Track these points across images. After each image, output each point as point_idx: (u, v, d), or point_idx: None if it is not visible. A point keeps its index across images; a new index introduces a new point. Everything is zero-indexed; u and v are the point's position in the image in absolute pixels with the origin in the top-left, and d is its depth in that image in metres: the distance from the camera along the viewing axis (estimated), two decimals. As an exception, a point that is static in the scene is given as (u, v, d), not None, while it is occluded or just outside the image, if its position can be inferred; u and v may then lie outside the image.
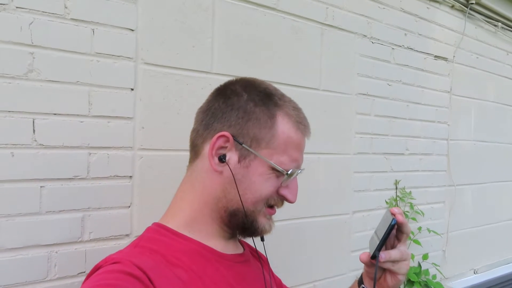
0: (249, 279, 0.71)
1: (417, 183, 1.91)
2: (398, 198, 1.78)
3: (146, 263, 0.57)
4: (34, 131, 0.89)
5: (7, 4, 0.86)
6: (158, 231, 0.68)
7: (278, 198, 0.70)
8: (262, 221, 0.69)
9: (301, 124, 0.70)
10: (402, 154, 1.83)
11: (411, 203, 1.82)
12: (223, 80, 1.20)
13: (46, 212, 0.91)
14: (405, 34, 1.85)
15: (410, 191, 1.83)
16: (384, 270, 0.70)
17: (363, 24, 1.64)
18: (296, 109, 0.71)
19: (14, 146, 0.87)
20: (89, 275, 0.58)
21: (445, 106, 2.08)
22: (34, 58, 0.89)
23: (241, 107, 0.67)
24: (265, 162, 0.66)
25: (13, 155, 0.87)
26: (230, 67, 1.23)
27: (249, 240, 0.77)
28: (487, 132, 2.35)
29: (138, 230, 1.03)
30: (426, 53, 1.96)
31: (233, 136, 0.66)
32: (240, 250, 0.76)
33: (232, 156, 0.67)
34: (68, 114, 0.93)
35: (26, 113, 0.88)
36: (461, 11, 2.17)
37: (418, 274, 1.77)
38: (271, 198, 0.69)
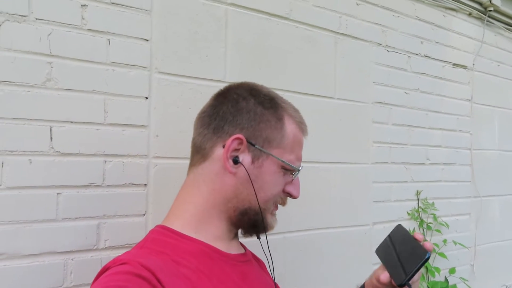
0: (252, 278, 0.72)
1: (440, 194, 1.84)
2: (420, 209, 1.72)
3: (154, 264, 0.58)
4: (51, 138, 0.91)
5: (27, 16, 0.89)
6: (162, 232, 0.69)
7: (284, 195, 0.75)
8: (269, 218, 0.73)
9: (303, 124, 0.76)
10: (423, 164, 1.79)
11: (434, 214, 1.76)
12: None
13: (63, 219, 0.91)
14: (422, 42, 1.82)
15: (433, 202, 1.77)
16: None
17: (378, 33, 1.64)
18: (296, 110, 0.76)
19: (32, 153, 0.88)
20: (97, 276, 0.59)
21: (467, 115, 2.02)
22: (52, 67, 0.92)
23: (251, 110, 0.70)
24: (276, 161, 0.70)
25: (30, 162, 0.88)
26: (243, 76, 1.23)
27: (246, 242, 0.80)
28: (512, 141, 2.27)
29: (153, 238, 1.02)
30: (444, 61, 1.93)
31: (246, 138, 0.68)
32: (242, 250, 0.78)
33: (245, 157, 0.69)
34: (84, 122, 0.95)
35: (44, 121, 0.90)
36: (479, 18, 2.14)
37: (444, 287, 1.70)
38: (278, 197, 0.73)
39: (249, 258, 0.77)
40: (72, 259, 0.92)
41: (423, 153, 1.79)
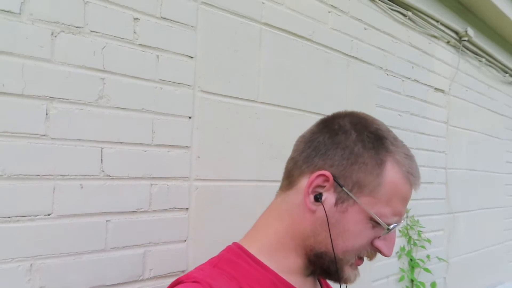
0: None
1: (422, 212, 1.97)
2: (408, 226, 1.83)
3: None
4: (101, 161, 0.84)
5: (82, 28, 0.82)
6: (238, 253, 0.65)
7: (372, 250, 0.65)
8: (347, 270, 0.65)
9: (412, 175, 0.64)
10: (411, 182, 1.89)
11: (419, 231, 1.88)
12: (267, 109, 1.21)
13: (111, 248, 0.85)
14: (412, 67, 1.94)
15: (418, 219, 1.89)
16: None
17: (380, 57, 1.71)
18: (409, 157, 0.65)
19: (83, 177, 0.81)
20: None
21: (443, 136, 2.18)
22: (104, 84, 0.85)
23: (348, 147, 0.63)
24: (364, 210, 0.61)
25: (82, 187, 0.81)
26: (273, 96, 1.23)
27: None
28: (476, 161, 2.49)
29: (193, 266, 0.98)
30: (428, 85, 2.07)
31: (334, 176, 0.62)
32: None
33: (329, 197, 0.62)
34: (133, 143, 0.89)
35: (96, 142, 0.83)
36: (455, 47, 2.32)
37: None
38: (363, 250, 0.64)
39: None
40: (119, 291, 0.85)
41: (411, 172, 1.90)
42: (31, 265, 0.74)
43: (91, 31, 0.83)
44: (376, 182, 0.61)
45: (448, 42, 2.26)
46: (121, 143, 0.87)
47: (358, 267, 0.67)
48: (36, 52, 0.76)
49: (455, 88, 2.31)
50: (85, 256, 0.81)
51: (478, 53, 2.56)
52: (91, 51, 0.83)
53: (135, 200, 0.89)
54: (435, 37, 2.14)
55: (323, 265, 0.65)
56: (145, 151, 0.91)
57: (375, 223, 0.62)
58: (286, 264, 0.65)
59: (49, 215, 0.77)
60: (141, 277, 0.89)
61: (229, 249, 0.67)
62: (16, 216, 0.73)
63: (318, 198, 0.63)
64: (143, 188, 0.90)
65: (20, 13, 0.74)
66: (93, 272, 0.82)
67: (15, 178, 0.73)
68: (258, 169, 1.14)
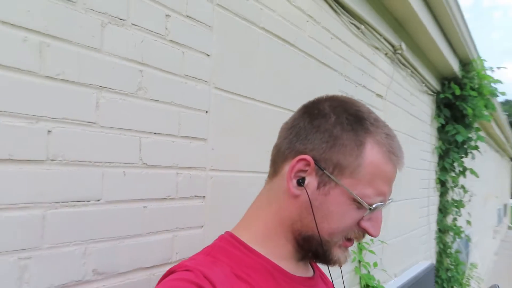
0: None
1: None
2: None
3: (215, 275, 0.56)
4: (140, 150, 0.88)
5: (125, 20, 0.85)
6: (230, 242, 0.66)
7: (359, 231, 0.65)
8: (336, 252, 0.65)
9: (393, 154, 0.64)
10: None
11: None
12: (265, 108, 1.31)
13: (147, 233, 0.89)
14: (362, 74, 2.18)
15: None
16: None
17: (341, 64, 1.91)
18: (390, 137, 0.65)
19: (126, 165, 0.84)
20: (162, 278, 0.59)
21: (381, 136, 2.48)
22: (142, 76, 0.89)
23: (327, 130, 0.62)
24: (346, 192, 0.61)
25: (124, 175, 0.84)
26: (269, 95, 1.34)
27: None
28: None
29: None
30: (372, 91, 2.34)
31: (315, 160, 0.62)
32: (310, 273, 0.72)
33: (311, 181, 0.63)
34: (164, 134, 0.94)
35: (135, 131, 0.87)
36: (391, 58, 2.64)
37: (372, 279, 2.07)
38: (350, 231, 0.64)
39: (316, 282, 0.71)
40: (154, 274, 0.90)
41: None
42: (85, 248, 0.76)
43: (132, 24, 0.86)
44: (356, 163, 0.61)
45: (386, 54, 2.56)
46: (155, 133, 0.91)
47: (349, 248, 0.67)
48: (88, 41, 0.78)
49: (389, 94, 2.63)
50: (126, 241, 0.84)
51: (405, 64, 2.93)
52: (132, 43, 0.86)
53: (165, 187, 0.94)
54: (377, 48, 2.43)
55: (312, 248, 0.65)
56: (173, 142, 0.96)
57: (358, 204, 0.62)
58: (278, 250, 0.66)
59: (98, 200, 0.79)
60: (170, 260, 0.94)
61: (221, 238, 0.68)
62: (73, 201, 0.74)
63: (300, 182, 0.63)
64: (171, 176, 0.95)
65: (76, 1, 0.75)
66: (133, 255, 0.85)
67: (72, 164, 0.74)
68: (265, 162, 1.25)
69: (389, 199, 0.67)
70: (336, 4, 1.84)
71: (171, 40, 0.96)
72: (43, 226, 0.70)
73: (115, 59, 0.83)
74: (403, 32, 2.76)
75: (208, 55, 1.08)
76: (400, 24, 2.69)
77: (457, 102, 4.06)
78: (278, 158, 0.67)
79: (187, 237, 1.00)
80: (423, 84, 3.50)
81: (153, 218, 0.90)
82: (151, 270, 0.89)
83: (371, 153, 0.62)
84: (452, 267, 4.07)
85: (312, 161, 0.62)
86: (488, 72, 4.51)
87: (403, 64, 2.89)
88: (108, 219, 0.81)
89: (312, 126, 0.64)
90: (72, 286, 0.74)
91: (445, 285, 3.86)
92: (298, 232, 0.65)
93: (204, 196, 1.05)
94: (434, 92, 3.95)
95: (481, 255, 6.80)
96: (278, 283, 0.62)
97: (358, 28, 2.10)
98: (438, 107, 4.11)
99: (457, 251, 4.16)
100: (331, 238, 0.63)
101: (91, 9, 0.78)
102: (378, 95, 2.42)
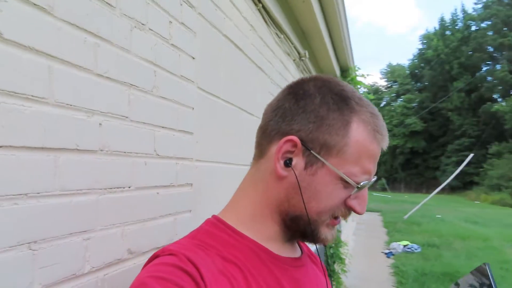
0: (303, 285, 0.68)
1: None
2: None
3: (199, 258, 0.57)
4: (154, 142, 0.98)
5: (145, 25, 0.94)
6: (216, 225, 0.67)
7: (345, 209, 0.65)
8: (324, 231, 0.66)
9: (378, 133, 0.64)
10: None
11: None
12: (226, 106, 1.47)
13: (159, 216, 0.99)
14: (281, 77, 2.47)
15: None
16: None
17: (269, 68, 2.17)
18: (374, 115, 0.65)
19: (146, 155, 0.94)
20: (147, 263, 0.60)
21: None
22: (155, 76, 0.98)
23: (313, 111, 0.63)
24: (333, 171, 0.62)
25: (145, 164, 0.94)
26: (228, 93, 1.50)
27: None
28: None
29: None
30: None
31: (301, 141, 0.62)
32: (297, 253, 0.72)
33: (298, 162, 0.63)
34: (169, 128, 1.05)
35: (151, 125, 0.96)
36: (297, 64, 3.01)
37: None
38: (337, 209, 0.65)
39: (304, 263, 0.71)
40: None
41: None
42: (123, 230, 0.85)
43: (149, 28, 0.96)
44: (343, 142, 0.62)
45: (294, 60, 2.92)
46: (163, 127, 1.02)
47: (335, 226, 0.68)
48: (122, 43, 0.86)
49: (296, 95, 3.00)
50: (147, 223, 0.94)
51: (306, 70, 3.35)
52: (149, 46, 0.96)
53: (169, 176, 1.05)
54: (289, 55, 2.76)
55: (299, 228, 0.66)
56: (173, 135, 1.07)
57: (345, 183, 0.63)
58: (264, 232, 0.66)
59: (129, 187, 0.88)
60: (172, 240, 1.05)
61: (207, 221, 0.68)
62: (113, 188, 0.82)
63: (288, 163, 0.63)
64: (172, 166, 1.07)
65: (115, 7, 0.83)
66: (151, 236, 0.95)
67: (112, 154, 0.82)
68: (243, 154, 1.41)
69: (374, 177, 0.67)
70: (267, 15, 2.08)
71: (172, 44, 1.07)
72: (97, 210, 0.77)
73: (139, 59, 0.92)
74: (305, 42, 3.16)
75: (194, 58, 1.20)
76: (305, 35, 3.08)
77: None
78: (264, 140, 0.67)
79: (182, 220, 1.12)
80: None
81: (163, 203, 1.01)
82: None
83: (357, 132, 0.62)
84: (333, 245, 4.73)
85: (299, 142, 0.62)
86: (360, 78, 5.34)
87: (304, 70, 3.30)
88: (136, 204, 0.90)
89: (298, 107, 0.64)
90: (114, 264, 0.82)
91: (329, 260, 4.48)
92: (285, 212, 0.65)
93: (192, 184, 1.18)
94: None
95: (345, 235, 7.89)
96: (264, 263, 0.63)
97: (279, 37, 2.38)
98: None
99: (338, 231, 4.85)
100: (319, 217, 0.64)
101: (124, 14, 0.86)
102: (289, 96, 2.76)
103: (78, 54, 0.73)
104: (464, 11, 34.35)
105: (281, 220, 0.66)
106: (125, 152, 0.86)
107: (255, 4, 1.88)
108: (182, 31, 1.12)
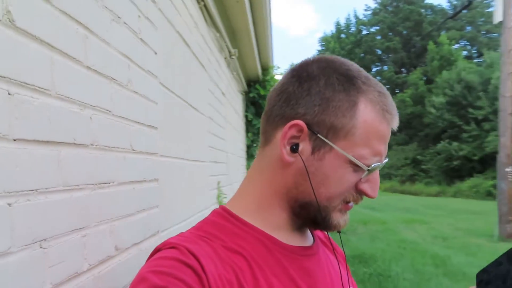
0: (314, 275, 0.64)
1: (224, 183, 2.59)
2: (219, 195, 2.41)
3: (201, 250, 0.55)
4: (130, 137, 0.97)
5: (120, 18, 0.92)
6: (222, 215, 0.64)
7: (357, 193, 0.63)
8: (336, 216, 0.63)
9: (387, 112, 0.61)
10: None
11: (222, 195, 2.50)
12: (180, 103, 1.47)
13: (136, 211, 0.98)
14: (217, 75, 2.52)
15: (222, 189, 2.50)
16: None
17: (208, 65, 2.19)
18: (382, 94, 0.62)
19: (124, 150, 0.93)
20: (150, 256, 0.58)
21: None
22: (129, 70, 0.97)
23: (318, 93, 0.60)
24: (342, 155, 0.59)
25: (125, 159, 0.92)
26: (183, 92, 1.51)
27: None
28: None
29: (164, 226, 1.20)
30: (220, 88, 2.70)
31: (307, 125, 0.60)
32: (308, 242, 0.69)
33: (305, 147, 0.60)
34: (140, 123, 1.04)
35: (127, 120, 0.95)
36: (227, 62, 3.07)
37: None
38: (348, 194, 0.62)
39: (315, 251, 0.68)
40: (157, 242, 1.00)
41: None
42: (111, 226, 0.83)
43: (124, 22, 0.94)
44: (351, 124, 0.59)
45: (225, 58, 2.98)
46: (136, 122, 1.01)
47: (348, 211, 0.65)
48: (104, 36, 0.84)
49: (228, 92, 3.06)
50: (128, 219, 0.93)
51: (234, 69, 3.43)
52: (123, 40, 0.94)
53: (141, 171, 1.04)
54: (222, 53, 2.81)
55: (309, 215, 0.63)
56: (143, 130, 1.06)
57: (355, 166, 0.60)
58: (271, 220, 0.64)
59: (113, 182, 0.86)
60: (147, 236, 1.05)
61: (214, 212, 0.66)
62: (102, 183, 0.81)
63: (294, 149, 0.61)
64: (143, 161, 1.06)
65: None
66: (133, 232, 0.95)
67: (100, 148, 0.80)
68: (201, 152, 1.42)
69: (385, 158, 0.63)
70: (207, 14, 2.11)
71: (141, 39, 1.06)
72: (91, 206, 0.75)
73: (117, 53, 0.90)
74: (235, 41, 3.24)
75: (156, 53, 1.20)
76: (235, 34, 3.16)
77: (260, 100, 4.96)
78: (269, 126, 0.64)
79: (158, 214, 1.12)
80: (240, 85, 4.12)
81: (138, 198, 1.00)
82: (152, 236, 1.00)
83: (365, 112, 0.59)
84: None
85: (304, 126, 0.59)
86: (279, 77, 5.59)
87: (233, 68, 3.38)
88: (118, 199, 0.88)
89: (302, 90, 0.61)
90: (105, 261, 0.81)
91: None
92: (294, 199, 0.63)
93: (158, 179, 1.18)
94: (244, 92, 4.67)
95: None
96: (271, 253, 0.61)
97: (215, 35, 2.42)
98: (246, 104, 4.88)
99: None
100: (329, 203, 0.61)
101: (105, 6, 0.85)
102: (223, 93, 2.81)
103: (72, 46, 0.70)
104: (356, 16, 37.29)
105: (289, 208, 0.64)
106: (109, 147, 0.85)
107: (198, 2, 1.90)
108: (147, 25, 1.11)
